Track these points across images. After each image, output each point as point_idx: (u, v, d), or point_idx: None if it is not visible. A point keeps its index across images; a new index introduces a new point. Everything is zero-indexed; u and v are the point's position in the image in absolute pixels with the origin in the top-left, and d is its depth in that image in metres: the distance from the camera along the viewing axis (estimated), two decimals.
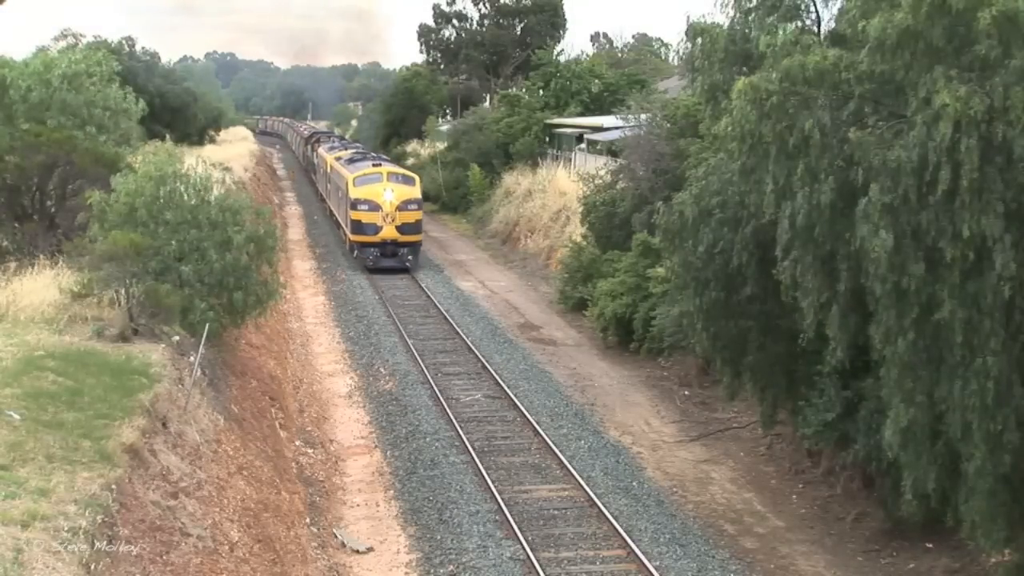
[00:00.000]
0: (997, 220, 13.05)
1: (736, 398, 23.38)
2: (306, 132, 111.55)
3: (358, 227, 45.97)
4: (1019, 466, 13.93)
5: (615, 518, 19.60)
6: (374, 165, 49.34)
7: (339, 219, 53.53)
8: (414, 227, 45.92)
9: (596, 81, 65.04)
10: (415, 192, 46.87)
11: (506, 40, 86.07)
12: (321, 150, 71.72)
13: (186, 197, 21.84)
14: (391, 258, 45.24)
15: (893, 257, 13.80)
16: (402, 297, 40.75)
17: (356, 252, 46.51)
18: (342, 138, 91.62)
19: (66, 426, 14.31)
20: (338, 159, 57.59)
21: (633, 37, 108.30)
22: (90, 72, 34.11)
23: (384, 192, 45.25)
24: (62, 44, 70.63)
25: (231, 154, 69.30)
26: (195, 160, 24.54)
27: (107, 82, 34.80)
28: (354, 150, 63.84)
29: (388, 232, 45.10)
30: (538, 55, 69.75)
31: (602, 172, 39.63)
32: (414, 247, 46.02)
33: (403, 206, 45.37)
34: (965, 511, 14.44)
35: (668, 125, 35.54)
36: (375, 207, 45.19)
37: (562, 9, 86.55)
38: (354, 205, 45.97)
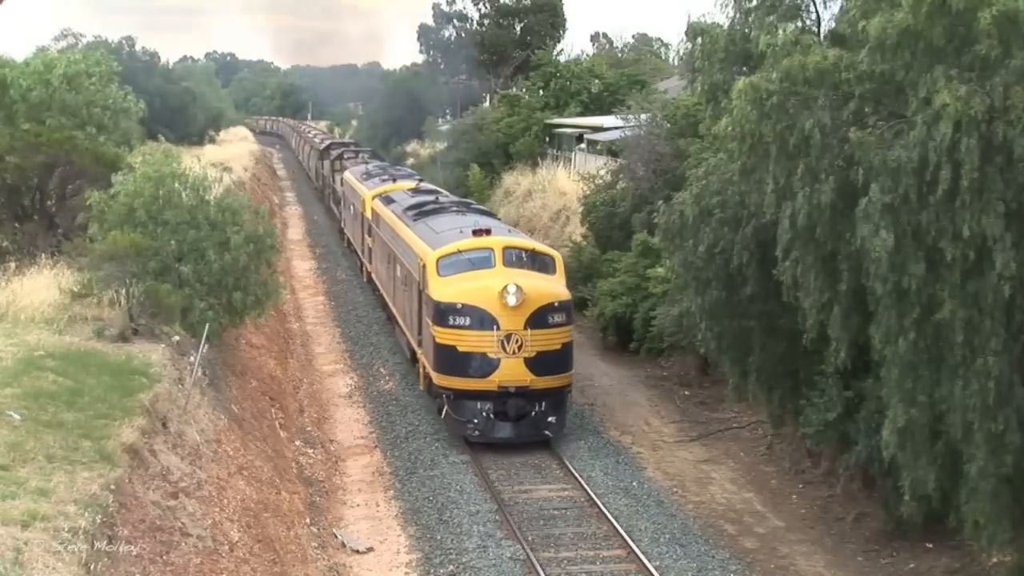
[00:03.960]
0: (997, 220, 13.05)
1: (743, 399, 23.34)
2: (320, 140, 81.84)
3: (450, 360, 23.51)
4: (1021, 467, 13.92)
5: (615, 518, 19.59)
6: (476, 232, 25.35)
7: (400, 320, 30.16)
8: (559, 359, 23.71)
9: (596, 81, 64.97)
10: (557, 285, 24.62)
11: (506, 40, 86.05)
12: (352, 176, 46.82)
13: (184, 197, 21.86)
14: (517, 422, 23.36)
15: (894, 257, 13.79)
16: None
17: (446, 408, 23.69)
18: (375, 153, 62.55)
19: (66, 426, 14.32)
20: (386, 200, 35.27)
21: (633, 37, 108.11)
22: (89, 72, 34.13)
23: (504, 291, 23.00)
24: (62, 44, 70.87)
25: (231, 154, 69.41)
26: (194, 161, 24.53)
27: (107, 82, 34.81)
28: (413, 181, 40.19)
29: (511, 371, 23.14)
30: (538, 55, 69.72)
31: (602, 172, 39.63)
32: (558, 398, 23.78)
33: (539, 318, 23.32)
34: (967, 512, 14.43)
35: (668, 125, 35.55)
36: (484, 321, 23.18)
37: (562, 9, 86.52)
38: (441, 315, 23.58)
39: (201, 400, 18.69)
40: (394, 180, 40.30)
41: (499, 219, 32.54)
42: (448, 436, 24.20)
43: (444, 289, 23.85)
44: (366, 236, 39.65)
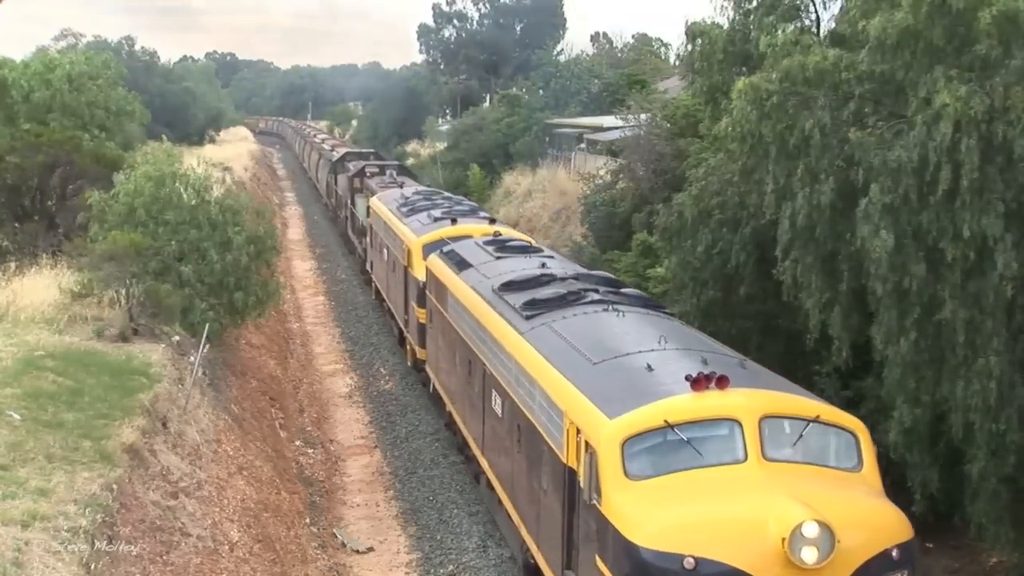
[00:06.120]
0: (998, 220, 13.06)
1: None
2: (330, 148, 69.17)
3: None
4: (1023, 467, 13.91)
5: None
6: (696, 383, 11.79)
7: (507, 498, 16.55)
8: None
9: (596, 81, 65.03)
10: (880, 501, 11.65)
11: (506, 40, 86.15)
12: (383, 207, 33.49)
13: (185, 197, 21.86)
14: None
15: (894, 257, 13.80)
16: None
17: None
18: (404, 168, 48.97)
19: (66, 426, 14.31)
20: (455, 261, 21.90)
21: (633, 37, 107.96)
22: (93, 75, 34.20)
23: (795, 535, 10.21)
24: (62, 44, 70.96)
25: (231, 154, 69.35)
26: (196, 160, 24.55)
27: (112, 84, 34.91)
28: (483, 223, 27.72)
29: None
30: (538, 55, 69.80)
31: (602, 172, 39.62)
32: None
33: None
34: (973, 512, 14.42)
35: (668, 125, 35.52)
36: None
37: (562, 9, 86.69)
38: None
39: (201, 400, 18.68)
40: (453, 221, 27.23)
41: (673, 315, 17.86)
42: (448, 436, 24.17)
43: (647, 517, 11.11)
44: (413, 304, 26.40)
